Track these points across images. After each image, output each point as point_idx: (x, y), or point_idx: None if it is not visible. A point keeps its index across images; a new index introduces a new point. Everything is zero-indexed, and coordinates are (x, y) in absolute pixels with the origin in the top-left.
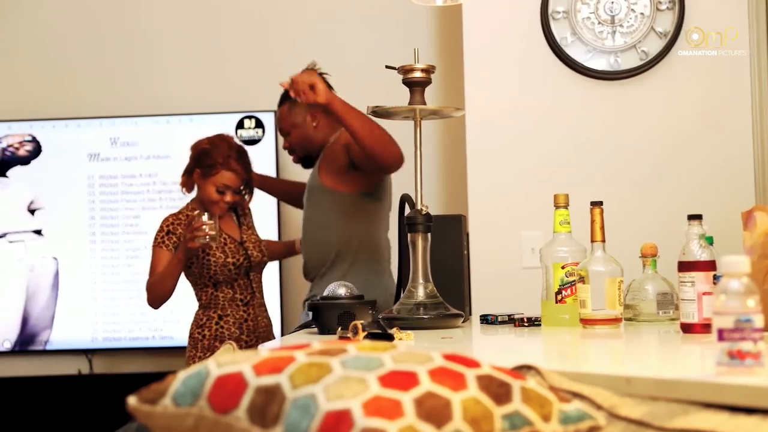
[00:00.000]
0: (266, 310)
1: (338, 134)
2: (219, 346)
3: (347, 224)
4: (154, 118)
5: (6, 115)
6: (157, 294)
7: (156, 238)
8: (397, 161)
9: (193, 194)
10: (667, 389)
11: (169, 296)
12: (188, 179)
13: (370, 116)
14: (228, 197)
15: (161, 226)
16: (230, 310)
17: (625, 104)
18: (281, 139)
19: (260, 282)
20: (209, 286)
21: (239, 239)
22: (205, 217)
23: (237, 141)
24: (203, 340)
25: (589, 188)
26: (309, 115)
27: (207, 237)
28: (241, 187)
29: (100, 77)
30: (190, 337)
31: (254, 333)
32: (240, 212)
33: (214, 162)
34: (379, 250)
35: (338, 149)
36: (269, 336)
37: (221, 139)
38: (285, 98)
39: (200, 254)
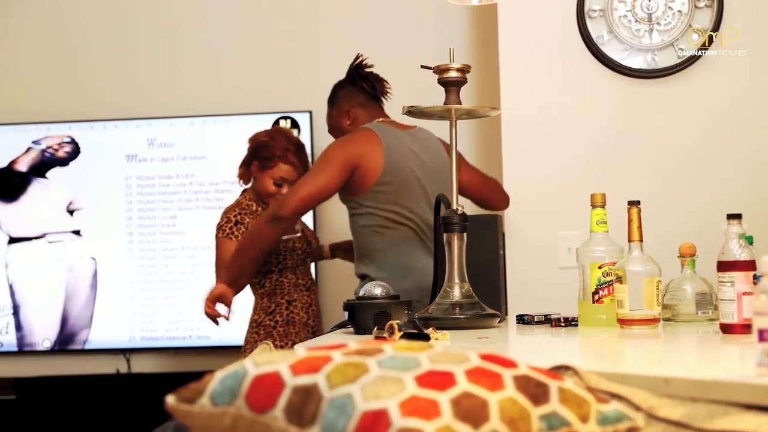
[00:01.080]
0: None
1: None
2: (293, 331)
3: (368, 222)
4: (190, 119)
5: (45, 117)
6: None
7: (224, 229)
8: (283, 232)
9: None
10: (707, 390)
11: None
12: (245, 171)
13: (239, 246)
14: (285, 190)
15: (227, 217)
16: (296, 295)
17: (662, 103)
18: (318, 140)
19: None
20: (274, 273)
21: (298, 228)
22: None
23: (295, 135)
24: (277, 327)
25: (626, 187)
26: (342, 118)
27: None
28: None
29: (137, 79)
30: (258, 326)
31: (317, 318)
32: None
33: (272, 155)
34: (405, 234)
35: None
36: (321, 324)
37: (279, 133)
38: (328, 101)
39: None
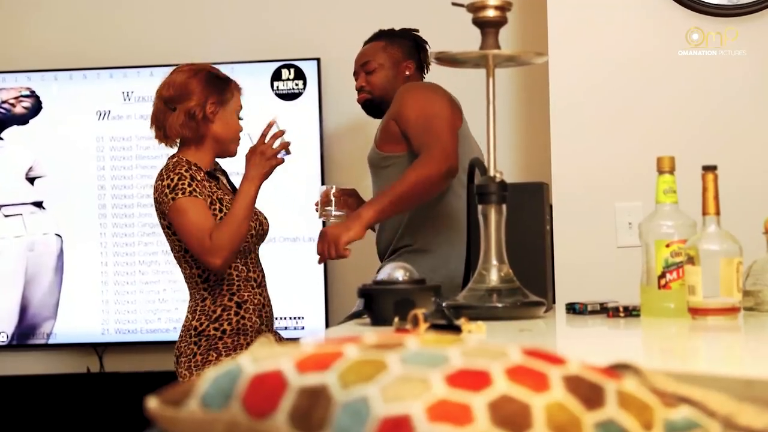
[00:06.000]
0: None
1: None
2: (244, 342)
3: None
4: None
5: None
6: (236, 245)
7: (182, 189)
8: (447, 173)
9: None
10: None
11: None
12: (203, 121)
13: (401, 194)
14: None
15: (179, 174)
16: (247, 295)
17: (745, 46)
18: (326, 90)
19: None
20: None
21: None
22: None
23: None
24: (224, 338)
25: (699, 150)
26: (405, 62)
27: (285, 152)
28: None
29: (111, 21)
30: (199, 334)
31: (270, 321)
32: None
33: (226, 83)
34: (452, 213)
35: (388, 121)
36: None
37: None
38: (383, 34)
39: (216, 214)
